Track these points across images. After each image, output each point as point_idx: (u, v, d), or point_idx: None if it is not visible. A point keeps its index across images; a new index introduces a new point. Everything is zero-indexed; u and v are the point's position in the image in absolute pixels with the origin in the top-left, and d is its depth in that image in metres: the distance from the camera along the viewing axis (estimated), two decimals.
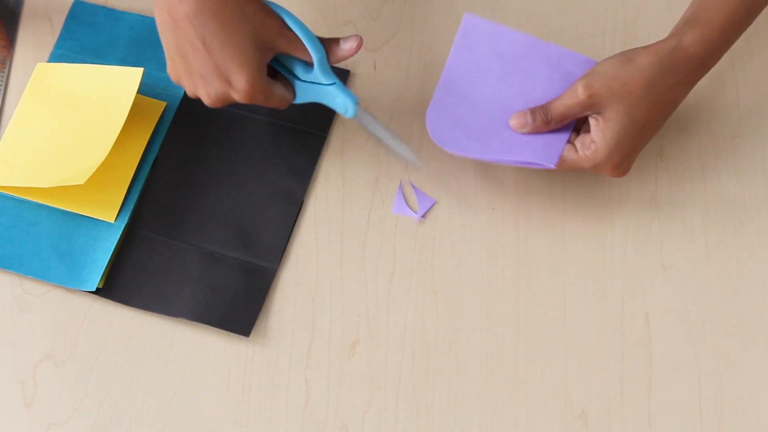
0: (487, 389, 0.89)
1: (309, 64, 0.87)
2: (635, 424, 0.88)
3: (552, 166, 0.87)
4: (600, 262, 0.93)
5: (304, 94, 0.89)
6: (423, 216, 0.94)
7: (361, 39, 0.87)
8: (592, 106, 0.85)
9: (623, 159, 0.87)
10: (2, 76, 0.99)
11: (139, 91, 0.95)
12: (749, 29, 1.01)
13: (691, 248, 0.93)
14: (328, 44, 0.87)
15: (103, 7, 1.01)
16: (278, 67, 0.88)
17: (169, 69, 0.86)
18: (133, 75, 0.95)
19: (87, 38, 1.00)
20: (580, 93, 0.85)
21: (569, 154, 0.87)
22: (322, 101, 0.89)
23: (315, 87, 0.88)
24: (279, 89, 0.87)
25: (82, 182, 0.89)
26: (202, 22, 0.81)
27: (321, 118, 0.97)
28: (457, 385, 0.89)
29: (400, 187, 0.95)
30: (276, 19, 0.84)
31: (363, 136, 0.97)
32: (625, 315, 0.91)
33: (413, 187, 0.95)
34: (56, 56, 0.99)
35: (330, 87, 0.88)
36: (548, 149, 0.88)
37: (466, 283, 0.92)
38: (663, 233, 0.94)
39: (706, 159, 0.96)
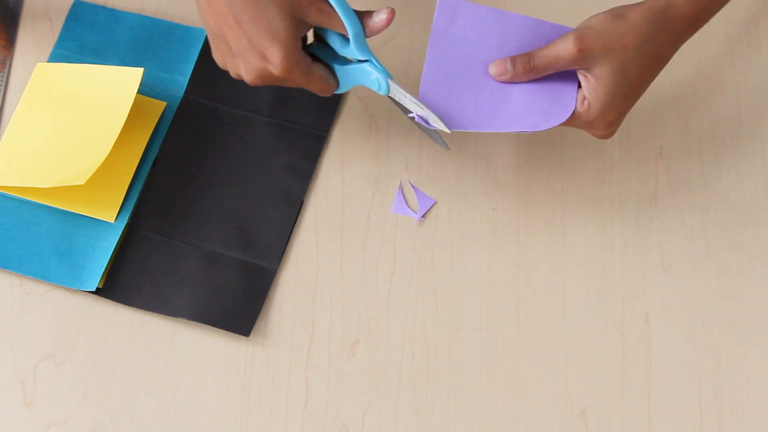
0: (487, 389, 0.89)
1: (346, 39, 0.84)
2: (635, 424, 0.88)
3: (565, 118, 0.84)
4: (600, 262, 0.93)
5: (346, 79, 0.86)
6: (423, 216, 0.94)
7: (393, 11, 0.84)
8: (582, 60, 0.83)
9: (617, 117, 0.85)
10: (2, 76, 0.99)
11: (139, 91, 0.95)
12: (749, 29, 1.01)
13: (691, 248, 0.93)
14: (361, 17, 0.84)
15: (103, 7, 1.01)
16: (319, 54, 0.86)
17: (214, 54, 0.86)
18: (134, 75, 0.95)
19: (87, 38, 1.00)
20: (571, 45, 0.83)
21: None
22: (359, 83, 0.86)
23: (353, 68, 0.85)
24: (319, 70, 0.85)
25: (82, 182, 0.89)
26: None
27: (321, 118, 0.97)
28: (457, 385, 0.89)
29: (400, 188, 0.95)
30: None
31: (363, 135, 0.97)
32: (625, 315, 0.91)
33: (413, 187, 0.95)
34: (56, 56, 0.99)
35: (365, 64, 0.85)
36: (557, 106, 0.85)
37: (466, 283, 0.92)
38: (663, 233, 0.94)
39: (706, 159, 0.96)
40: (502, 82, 0.86)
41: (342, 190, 0.95)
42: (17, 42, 1.00)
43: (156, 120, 0.96)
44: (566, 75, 0.86)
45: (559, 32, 0.86)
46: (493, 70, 0.86)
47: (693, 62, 1.00)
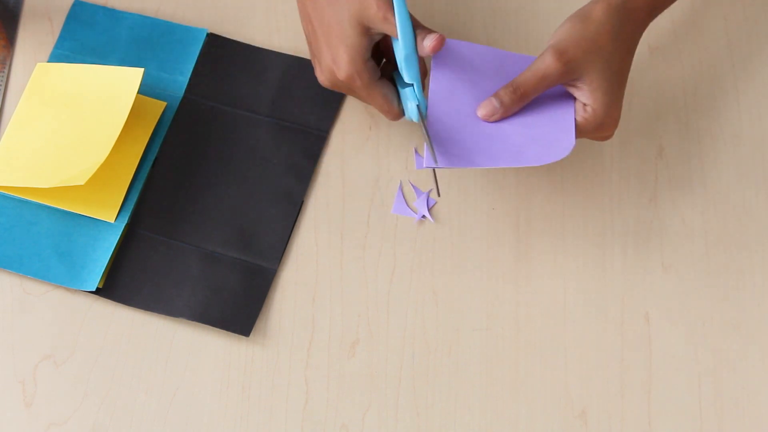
0: (487, 389, 0.89)
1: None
2: (635, 424, 0.88)
3: (568, 151, 0.85)
4: (600, 262, 0.93)
5: (406, 107, 0.87)
6: (423, 216, 0.94)
7: (442, 38, 0.84)
8: (567, 72, 0.84)
9: (619, 110, 0.86)
10: (2, 76, 0.99)
11: (139, 91, 0.95)
12: (749, 28, 1.01)
13: (691, 248, 0.93)
14: (417, 34, 0.85)
15: (103, 7, 1.01)
16: (396, 79, 0.87)
17: (311, 55, 0.90)
18: (134, 75, 0.95)
19: (87, 38, 1.00)
20: (553, 62, 0.83)
21: None
22: (404, 102, 0.87)
23: (404, 93, 0.86)
24: (384, 87, 0.86)
25: (82, 182, 0.89)
26: (314, 4, 0.84)
27: (321, 118, 0.97)
28: (457, 385, 0.89)
29: (400, 188, 0.95)
30: (383, 2, 0.83)
31: (363, 136, 0.97)
32: (625, 315, 0.91)
33: (413, 186, 0.95)
34: (56, 56, 0.99)
35: (407, 89, 0.86)
36: (558, 137, 0.86)
37: (466, 283, 0.92)
38: (663, 233, 0.94)
39: (706, 159, 0.96)
40: (495, 121, 0.86)
41: (342, 190, 0.95)
42: (17, 42, 1.00)
43: (156, 120, 0.96)
44: (557, 105, 0.87)
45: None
46: (481, 112, 0.86)
47: (693, 62, 1.00)
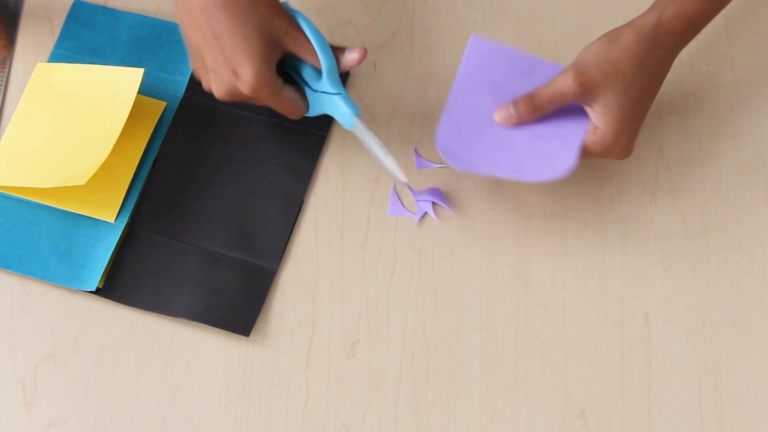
0: (487, 389, 0.89)
1: (318, 71, 0.87)
2: (635, 424, 0.88)
3: (568, 172, 0.86)
4: (600, 262, 0.93)
5: (315, 105, 0.89)
6: (422, 216, 0.94)
7: (365, 51, 0.88)
8: (585, 93, 0.85)
9: (631, 138, 0.87)
10: (2, 76, 0.99)
11: (139, 91, 0.95)
12: (749, 28, 1.01)
13: (691, 248, 0.93)
14: (335, 52, 0.88)
15: (103, 7, 1.01)
16: (295, 76, 0.88)
17: (191, 64, 0.89)
18: (134, 75, 0.95)
19: (87, 38, 1.00)
20: (571, 81, 0.84)
21: None
22: (329, 112, 0.89)
23: (322, 96, 0.88)
24: (289, 92, 0.87)
25: (83, 183, 0.89)
26: (212, 13, 0.82)
27: (321, 118, 0.97)
28: (457, 385, 0.89)
29: (394, 189, 0.95)
30: (286, 18, 0.85)
31: None
32: (625, 315, 0.91)
33: (411, 189, 0.95)
34: (56, 56, 0.99)
35: (335, 96, 0.88)
36: (562, 155, 0.87)
37: (466, 283, 0.92)
38: (663, 233, 0.94)
39: (706, 159, 0.96)
40: (509, 127, 0.87)
41: (342, 190, 0.95)
42: (17, 42, 1.00)
43: (156, 120, 0.96)
44: (572, 123, 0.87)
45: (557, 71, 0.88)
46: (497, 117, 0.87)
47: (693, 62, 1.00)
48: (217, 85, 0.86)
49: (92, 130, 0.94)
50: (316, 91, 0.89)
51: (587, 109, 0.86)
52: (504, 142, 0.88)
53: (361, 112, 0.89)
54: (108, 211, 0.93)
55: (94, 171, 0.90)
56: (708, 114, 0.98)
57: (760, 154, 0.97)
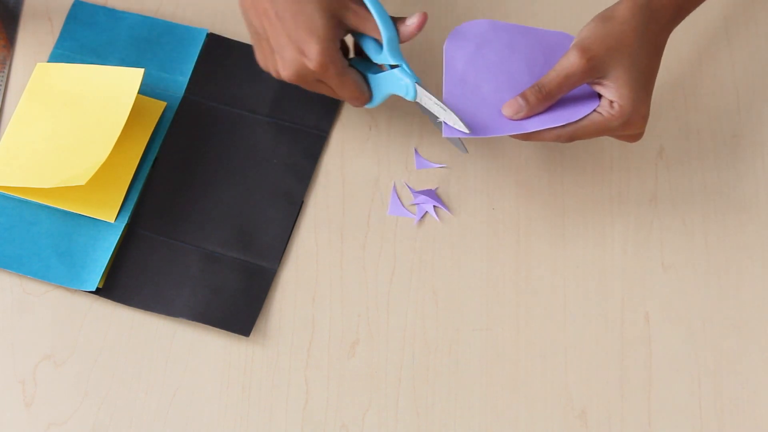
0: (487, 389, 0.89)
1: (380, 45, 0.86)
2: (635, 424, 0.88)
3: (593, 108, 0.85)
4: (600, 262, 0.93)
5: (378, 90, 0.88)
6: (422, 216, 0.94)
7: (425, 15, 0.86)
8: (593, 70, 0.84)
9: (648, 108, 0.86)
10: (2, 76, 0.99)
11: (139, 91, 0.95)
12: (749, 29, 1.01)
13: (691, 248, 0.93)
14: (395, 22, 0.86)
15: (103, 7, 1.01)
16: (357, 66, 0.88)
17: (256, 54, 0.89)
18: (134, 75, 0.95)
19: (87, 38, 1.00)
20: (577, 60, 0.83)
21: (596, 117, 0.85)
22: (390, 90, 0.88)
23: (385, 75, 0.87)
24: (355, 74, 0.87)
25: (83, 183, 0.89)
26: None
27: (321, 118, 0.97)
28: (457, 385, 0.89)
29: (395, 189, 0.95)
30: None
31: (363, 136, 0.97)
32: (625, 315, 0.91)
33: (410, 189, 0.95)
34: (56, 56, 0.99)
35: (395, 70, 0.87)
36: (580, 105, 0.86)
37: (466, 283, 0.92)
38: (663, 233, 0.94)
39: (706, 159, 0.96)
40: (520, 119, 0.86)
41: (342, 190, 0.95)
42: (17, 42, 1.00)
43: (156, 120, 0.96)
44: (580, 106, 0.87)
45: (552, 36, 0.88)
46: (507, 111, 0.86)
47: (693, 62, 1.00)
48: (283, 66, 0.86)
49: (92, 130, 0.94)
50: (377, 74, 0.87)
51: (598, 88, 0.85)
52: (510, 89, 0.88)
53: (420, 79, 0.87)
54: (108, 211, 0.93)
55: (94, 171, 0.90)
56: (708, 114, 0.98)
57: (760, 154, 0.97)
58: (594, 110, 0.85)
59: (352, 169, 0.96)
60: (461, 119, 0.85)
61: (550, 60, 0.87)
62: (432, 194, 0.94)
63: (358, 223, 0.94)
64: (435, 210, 0.94)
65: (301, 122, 0.97)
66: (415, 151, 0.96)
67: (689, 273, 0.92)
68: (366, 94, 0.89)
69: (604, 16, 0.85)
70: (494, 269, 0.92)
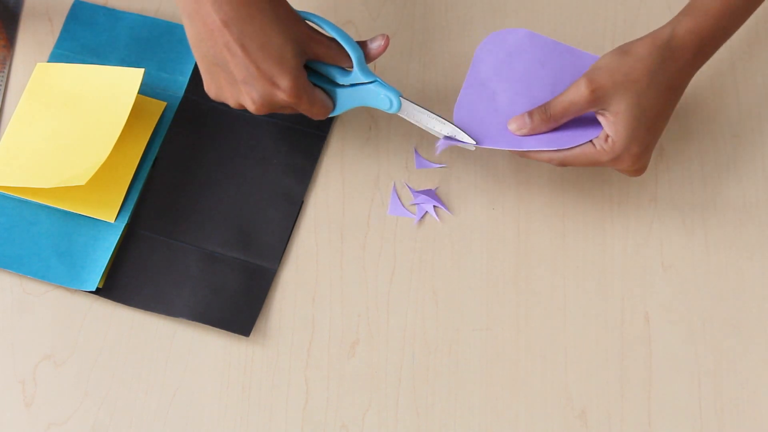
0: (487, 389, 0.89)
1: (344, 69, 0.88)
2: (635, 424, 0.88)
3: (593, 137, 0.86)
4: (600, 262, 0.93)
5: (345, 101, 0.89)
6: (422, 216, 0.94)
7: (387, 37, 0.88)
8: (597, 101, 0.85)
9: (642, 150, 0.86)
10: (2, 76, 0.99)
11: (139, 91, 0.95)
12: (749, 29, 1.01)
13: (691, 248, 0.93)
14: (360, 45, 0.88)
15: (103, 7, 1.01)
16: (315, 81, 0.88)
17: (206, 85, 0.88)
18: (134, 76, 0.95)
19: (87, 38, 1.00)
20: (583, 89, 0.85)
21: (588, 148, 0.87)
22: (364, 103, 0.89)
23: (356, 90, 0.88)
24: (320, 94, 0.88)
25: (83, 183, 0.89)
26: (239, 28, 0.82)
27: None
28: (457, 385, 0.89)
29: (395, 189, 0.95)
30: (305, 24, 0.85)
31: (363, 136, 0.97)
32: (625, 315, 0.91)
33: (410, 188, 0.95)
34: (56, 56, 0.99)
35: (371, 85, 0.88)
36: (579, 134, 0.87)
37: (466, 283, 0.92)
38: (663, 233, 0.94)
39: (706, 159, 0.96)
40: (522, 135, 0.88)
41: (342, 190, 0.95)
42: (17, 42, 1.00)
43: (156, 120, 0.96)
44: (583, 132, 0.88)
45: (589, 60, 0.89)
46: (512, 126, 0.88)
47: None
48: (252, 97, 0.85)
49: (92, 130, 0.94)
50: (345, 88, 0.88)
51: (600, 118, 0.86)
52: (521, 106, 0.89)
53: (401, 92, 0.89)
54: (108, 211, 0.93)
55: (94, 171, 0.90)
56: (708, 114, 0.98)
57: (760, 154, 0.97)
58: (590, 141, 0.87)
59: (352, 169, 0.96)
60: (460, 127, 0.88)
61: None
62: (432, 194, 0.94)
63: (358, 223, 0.94)
64: (435, 210, 0.94)
65: (301, 122, 0.97)
66: (415, 151, 0.96)
67: (689, 273, 0.92)
68: (331, 108, 0.89)
69: (622, 50, 0.86)
70: (494, 269, 0.92)
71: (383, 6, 1.02)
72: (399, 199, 0.95)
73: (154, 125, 0.96)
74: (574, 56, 0.90)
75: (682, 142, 0.97)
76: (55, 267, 0.91)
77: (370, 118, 0.97)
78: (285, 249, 0.93)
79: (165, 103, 0.97)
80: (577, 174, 0.95)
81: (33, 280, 0.91)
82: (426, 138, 0.97)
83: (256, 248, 0.92)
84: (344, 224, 0.94)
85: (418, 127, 0.97)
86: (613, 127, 0.85)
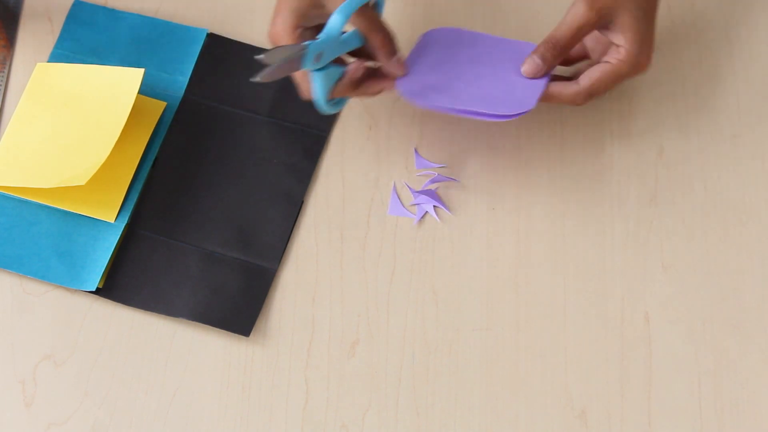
0: (487, 389, 0.89)
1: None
2: (635, 424, 0.88)
3: (531, 108, 0.87)
4: (600, 262, 0.93)
5: (331, 52, 0.87)
6: (422, 216, 0.94)
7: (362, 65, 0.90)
8: (601, 18, 0.87)
9: (651, 47, 0.89)
10: (2, 76, 0.99)
11: (139, 92, 0.95)
12: (749, 28, 1.01)
13: (691, 248, 0.93)
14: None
15: (103, 7, 1.01)
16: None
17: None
18: (134, 76, 0.95)
19: (87, 38, 1.00)
20: (586, 11, 0.87)
21: (606, 67, 0.88)
22: (339, 52, 0.88)
23: (326, 57, 0.87)
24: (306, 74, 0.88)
25: (83, 183, 0.89)
26: None
27: (321, 118, 0.97)
28: (457, 385, 0.89)
29: (394, 189, 0.95)
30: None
31: (363, 136, 0.97)
32: (625, 315, 0.91)
33: (410, 189, 0.95)
34: (56, 56, 0.99)
35: (320, 37, 0.86)
36: (526, 94, 0.88)
37: (466, 283, 0.92)
38: (663, 233, 0.94)
39: (706, 159, 0.96)
40: (540, 77, 0.89)
41: (342, 190, 0.95)
42: (17, 42, 1.00)
43: (156, 120, 0.96)
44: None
45: (525, 49, 0.91)
46: (524, 69, 0.89)
47: (693, 62, 1.00)
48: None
49: (92, 130, 0.94)
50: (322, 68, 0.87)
51: (604, 32, 0.88)
52: (471, 83, 0.90)
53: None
54: (108, 211, 0.93)
55: (94, 171, 0.90)
56: (708, 114, 0.98)
57: (760, 154, 0.97)
58: (605, 61, 0.88)
59: (352, 169, 0.96)
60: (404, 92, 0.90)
61: (516, 65, 0.90)
62: (432, 194, 0.94)
63: (358, 223, 0.94)
64: (435, 210, 0.94)
65: (301, 122, 0.97)
66: (415, 151, 0.96)
67: (689, 273, 0.92)
68: (306, 84, 0.89)
69: None
70: (494, 269, 0.92)
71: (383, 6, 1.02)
72: (399, 199, 0.95)
73: (154, 125, 0.96)
74: (510, 45, 0.92)
75: (682, 142, 0.97)
76: (55, 267, 0.91)
77: (370, 118, 0.98)
78: (285, 249, 0.93)
79: (165, 103, 0.97)
80: (577, 174, 0.95)
81: (33, 280, 0.91)
82: (426, 138, 0.97)
83: (256, 248, 0.92)
84: (344, 224, 0.94)
85: (418, 127, 0.97)
86: (623, 36, 0.87)
